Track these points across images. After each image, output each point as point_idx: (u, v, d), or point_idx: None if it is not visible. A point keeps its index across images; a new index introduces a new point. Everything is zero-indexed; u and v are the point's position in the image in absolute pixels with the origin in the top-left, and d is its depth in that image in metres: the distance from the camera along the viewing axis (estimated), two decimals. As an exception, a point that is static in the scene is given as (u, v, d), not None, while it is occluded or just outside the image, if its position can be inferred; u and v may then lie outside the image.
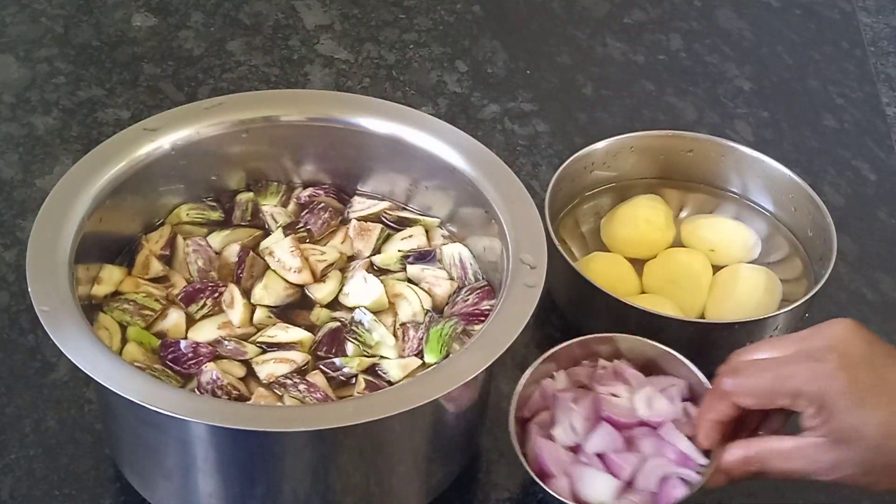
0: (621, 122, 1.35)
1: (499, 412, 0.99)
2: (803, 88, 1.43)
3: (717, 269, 1.14)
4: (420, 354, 0.95)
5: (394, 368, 0.94)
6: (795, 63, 1.45)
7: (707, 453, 0.92)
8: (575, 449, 0.95)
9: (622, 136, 1.19)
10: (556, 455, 0.93)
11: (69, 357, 0.84)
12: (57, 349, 0.84)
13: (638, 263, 1.14)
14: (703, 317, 1.10)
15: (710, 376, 0.95)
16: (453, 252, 1.02)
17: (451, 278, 1.01)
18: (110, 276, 0.99)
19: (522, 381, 0.96)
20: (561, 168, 1.14)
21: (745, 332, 1.05)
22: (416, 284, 1.00)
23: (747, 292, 1.10)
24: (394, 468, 0.92)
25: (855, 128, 1.38)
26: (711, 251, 1.15)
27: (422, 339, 0.95)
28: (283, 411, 0.89)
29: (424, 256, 1.02)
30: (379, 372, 0.94)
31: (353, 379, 0.94)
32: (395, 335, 0.96)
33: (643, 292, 1.12)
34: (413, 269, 1.01)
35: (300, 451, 0.88)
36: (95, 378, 0.83)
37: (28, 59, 1.36)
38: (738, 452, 0.89)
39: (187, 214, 1.04)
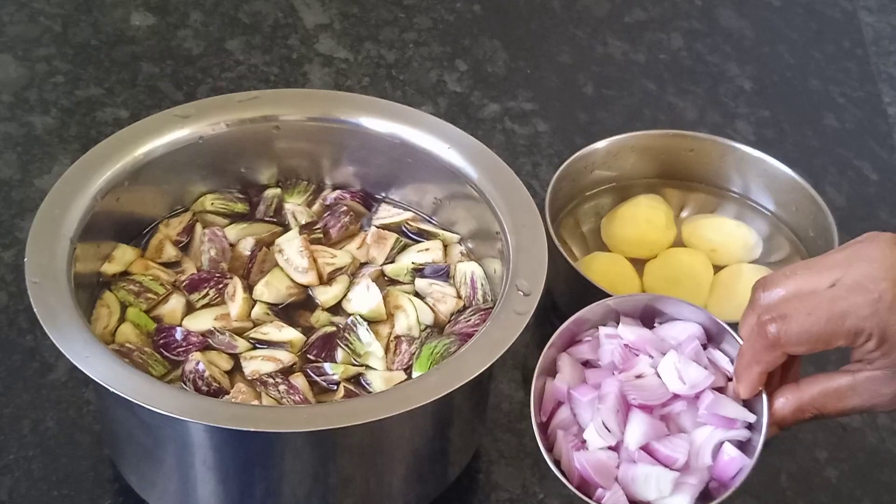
0: (622, 121, 1.34)
1: (499, 412, 0.99)
2: (804, 88, 1.42)
3: (718, 268, 1.14)
4: (409, 369, 0.94)
5: (377, 380, 0.93)
6: (797, 62, 1.45)
7: (745, 403, 0.85)
8: (613, 447, 0.86)
9: (623, 136, 1.18)
10: (600, 464, 0.85)
11: (45, 330, 0.84)
12: (56, 349, 0.84)
13: (638, 263, 1.14)
14: None
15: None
16: (466, 270, 1.01)
17: (459, 296, 1.00)
18: (122, 256, 0.99)
19: (533, 395, 0.87)
20: (561, 168, 1.13)
21: (746, 333, 1.04)
22: (422, 298, 1.00)
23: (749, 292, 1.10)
24: (394, 468, 0.92)
25: (856, 127, 1.37)
26: (713, 251, 1.15)
27: (413, 353, 0.95)
28: (282, 412, 0.88)
29: (436, 271, 1.01)
30: (363, 382, 0.94)
31: (336, 386, 0.93)
32: (387, 347, 0.96)
33: (644, 292, 1.12)
34: (421, 283, 1.01)
35: (300, 451, 0.88)
36: (66, 354, 0.83)
37: (26, 59, 1.36)
38: (789, 401, 0.82)
39: (212, 204, 1.05)
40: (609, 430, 0.84)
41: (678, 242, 1.16)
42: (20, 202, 1.20)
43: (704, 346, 0.88)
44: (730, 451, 0.83)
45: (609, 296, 1.03)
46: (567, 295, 1.10)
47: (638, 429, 0.85)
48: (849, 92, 1.41)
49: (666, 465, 0.84)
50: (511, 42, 1.44)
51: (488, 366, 0.85)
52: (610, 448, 0.85)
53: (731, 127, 1.35)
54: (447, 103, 1.35)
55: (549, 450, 0.85)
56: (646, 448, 0.84)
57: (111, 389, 0.82)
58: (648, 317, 0.90)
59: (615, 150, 1.18)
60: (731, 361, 0.86)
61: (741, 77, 1.42)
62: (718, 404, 0.84)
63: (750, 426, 0.84)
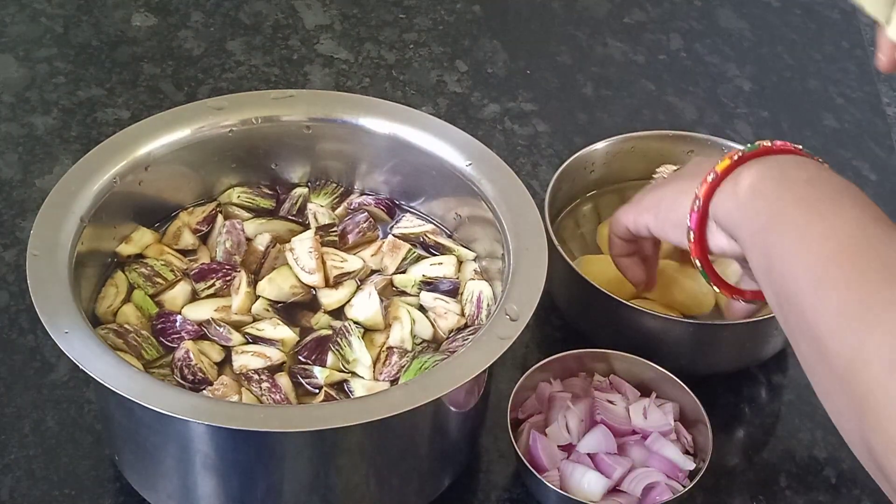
0: (621, 122, 1.35)
1: (499, 412, 0.99)
2: (803, 88, 1.42)
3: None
4: (395, 381, 0.93)
5: (360, 389, 0.93)
6: (796, 63, 1.45)
7: (694, 460, 0.97)
8: (567, 449, 0.97)
9: (622, 137, 1.18)
10: (549, 450, 0.97)
11: (34, 302, 0.85)
12: (57, 349, 0.84)
13: None
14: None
15: (705, 399, 0.98)
16: (475, 289, 0.99)
17: (462, 314, 0.99)
18: (140, 239, 1.01)
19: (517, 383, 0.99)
20: (561, 168, 1.13)
21: (745, 332, 1.04)
22: (424, 312, 0.99)
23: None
24: (394, 468, 0.92)
25: (855, 128, 1.38)
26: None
27: (403, 366, 0.94)
28: (283, 411, 0.89)
29: (445, 286, 1.00)
30: (346, 389, 0.93)
31: (319, 390, 0.93)
32: (378, 357, 0.95)
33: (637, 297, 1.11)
34: (426, 297, 1.00)
35: (301, 451, 0.88)
36: (46, 326, 0.84)
37: (28, 59, 1.36)
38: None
39: (238, 197, 1.05)
40: (569, 432, 0.97)
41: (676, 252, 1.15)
42: (21, 202, 1.20)
43: (676, 420, 1.00)
44: (661, 494, 0.94)
45: (609, 297, 1.03)
46: (566, 296, 1.10)
47: (593, 438, 0.97)
48: (848, 92, 1.41)
49: (603, 474, 0.95)
50: (511, 42, 1.44)
51: (456, 387, 0.85)
52: (562, 448, 0.97)
53: (731, 127, 1.35)
54: (447, 104, 1.35)
55: (516, 441, 0.96)
56: (591, 457, 0.96)
57: (89, 372, 0.82)
58: (644, 389, 1.02)
59: (615, 151, 1.18)
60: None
61: (740, 77, 1.42)
62: (662, 443, 0.97)
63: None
